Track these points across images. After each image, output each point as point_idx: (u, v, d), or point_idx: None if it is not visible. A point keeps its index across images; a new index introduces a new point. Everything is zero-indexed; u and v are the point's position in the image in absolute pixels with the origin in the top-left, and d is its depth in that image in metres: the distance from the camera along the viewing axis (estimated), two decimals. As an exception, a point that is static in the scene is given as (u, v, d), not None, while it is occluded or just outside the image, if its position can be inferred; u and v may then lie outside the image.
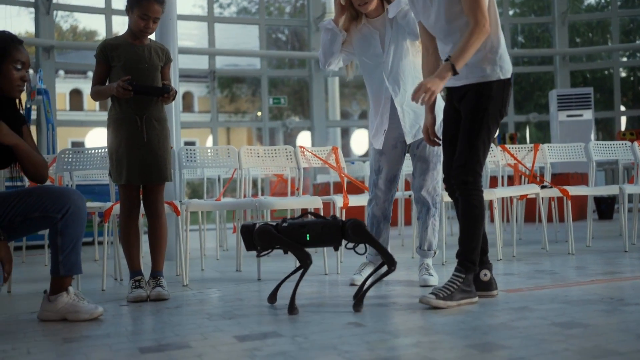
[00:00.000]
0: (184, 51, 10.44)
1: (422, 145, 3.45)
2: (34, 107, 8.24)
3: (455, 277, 2.73)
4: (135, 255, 3.36)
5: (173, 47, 5.39)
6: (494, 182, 5.48)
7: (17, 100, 2.77)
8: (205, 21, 11.48)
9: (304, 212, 2.91)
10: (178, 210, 3.74)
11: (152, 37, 3.51)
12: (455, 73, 2.59)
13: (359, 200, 4.31)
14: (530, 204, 6.63)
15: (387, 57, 3.42)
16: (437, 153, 3.45)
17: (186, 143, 17.22)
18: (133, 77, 3.21)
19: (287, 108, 14.83)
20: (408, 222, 7.71)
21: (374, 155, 3.57)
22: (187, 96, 24.37)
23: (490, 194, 4.16)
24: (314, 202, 4.11)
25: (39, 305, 2.81)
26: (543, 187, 4.60)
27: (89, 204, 3.76)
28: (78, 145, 15.10)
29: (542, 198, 4.97)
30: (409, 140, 3.45)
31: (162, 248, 3.40)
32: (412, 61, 3.43)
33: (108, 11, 10.53)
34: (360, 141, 16.13)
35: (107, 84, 3.34)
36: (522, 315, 2.46)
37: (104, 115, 3.46)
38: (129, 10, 3.31)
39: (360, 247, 2.86)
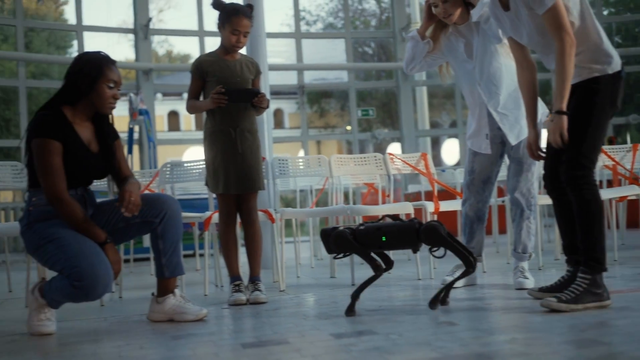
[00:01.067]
0: (273, 68, 10.73)
1: (516, 146, 3.41)
2: (135, 127, 8.74)
3: (581, 279, 2.58)
4: (234, 261, 3.52)
5: (263, 64, 5.60)
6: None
7: (110, 116, 2.96)
8: (293, 37, 11.77)
9: (384, 216, 2.95)
10: (273, 217, 3.88)
11: (243, 52, 3.67)
12: (566, 113, 2.59)
13: (451, 206, 4.30)
14: (632, 209, 6.36)
15: (475, 63, 3.42)
16: None
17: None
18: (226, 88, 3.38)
19: (376, 120, 14.90)
20: (503, 230, 7.57)
21: (468, 156, 3.57)
22: (278, 113, 24.90)
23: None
24: (405, 208, 4.14)
25: (148, 308, 3.01)
26: (644, 187, 4.43)
27: (189, 214, 3.97)
28: (176, 163, 15.75)
29: (644, 200, 4.78)
30: (513, 141, 3.39)
31: (258, 254, 3.55)
32: (503, 63, 3.39)
33: (201, 33, 11.00)
34: (451, 150, 15.89)
35: (201, 98, 3.53)
36: (623, 315, 2.41)
37: (200, 134, 3.65)
38: (221, 27, 3.49)
39: (440, 251, 2.86)
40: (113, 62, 2.88)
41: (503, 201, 4.95)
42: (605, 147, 4.91)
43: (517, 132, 3.39)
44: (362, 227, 2.82)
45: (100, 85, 2.80)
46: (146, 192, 3.83)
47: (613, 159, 4.78)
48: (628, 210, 5.88)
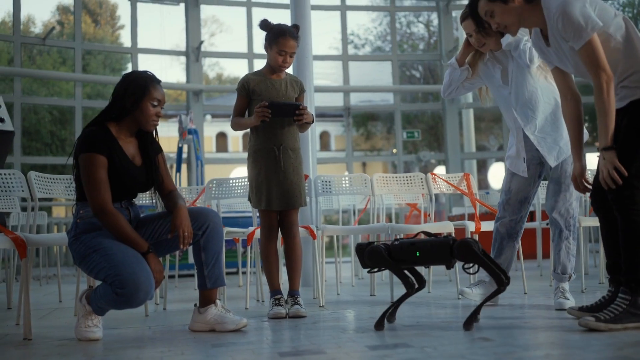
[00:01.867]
0: (319, 89, 10.90)
1: (555, 167, 3.42)
2: (185, 147, 8.97)
3: (621, 299, 2.57)
4: (275, 275, 3.58)
5: (309, 85, 5.73)
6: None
7: (154, 132, 3.08)
8: (340, 60, 11.92)
9: (419, 232, 2.99)
10: (314, 233, 3.94)
11: (289, 71, 3.77)
12: (613, 147, 2.59)
13: (492, 226, 4.28)
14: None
15: (511, 89, 3.47)
16: (570, 174, 3.40)
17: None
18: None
19: (422, 143, 14.89)
20: (547, 253, 7.46)
21: (505, 175, 3.60)
22: (324, 135, 25.09)
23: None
24: (446, 227, 4.15)
25: (190, 318, 3.09)
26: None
27: (232, 230, 4.07)
28: (223, 183, 16.01)
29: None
30: (552, 163, 3.40)
31: (298, 268, 3.61)
32: (538, 87, 3.43)
33: (250, 55, 11.25)
34: (498, 175, 15.71)
35: (246, 115, 3.64)
36: (663, 336, 2.37)
37: (246, 158, 3.73)
38: (267, 47, 3.60)
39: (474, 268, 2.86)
40: (158, 81, 3.02)
41: (547, 224, 4.90)
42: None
43: (556, 154, 3.40)
44: (396, 243, 2.86)
45: (145, 103, 2.93)
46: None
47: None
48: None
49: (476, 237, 4.23)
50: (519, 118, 3.45)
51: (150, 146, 3.04)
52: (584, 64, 2.66)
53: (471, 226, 4.20)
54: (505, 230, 3.57)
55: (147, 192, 3.13)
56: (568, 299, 3.32)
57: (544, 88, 3.41)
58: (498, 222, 3.60)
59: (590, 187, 2.87)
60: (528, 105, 3.43)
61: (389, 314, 2.99)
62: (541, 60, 3.34)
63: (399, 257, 2.85)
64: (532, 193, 3.56)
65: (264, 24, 3.63)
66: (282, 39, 3.54)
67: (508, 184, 3.56)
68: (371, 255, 2.87)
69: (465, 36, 3.54)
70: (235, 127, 3.65)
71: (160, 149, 3.12)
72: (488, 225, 4.27)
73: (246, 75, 3.68)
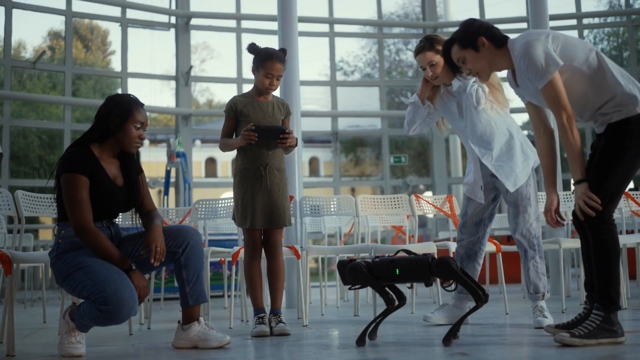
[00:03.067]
0: (306, 114, 11.01)
1: (510, 193, 3.55)
2: (173, 170, 9.01)
3: (595, 315, 2.63)
4: (259, 293, 3.61)
5: (296, 110, 5.81)
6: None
7: (135, 154, 3.12)
8: (328, 85, 12.06)
9: (399, 250, 3.05)
10: (298, 253, 3.98)
11: (276, 93, 3.85)
12: (585, 180, 2.69)
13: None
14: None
15: (466, 122, 3.64)
16: (527, 196, 3.52)
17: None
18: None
19: (410, 169, 14.98)
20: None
21: (463, 200, 3.77)
22: (314, 161, 25.16)
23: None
24: (429, 248, 4.20)
25: (174, 335, 3.11)
26: (671, 233, 4.41)
27: (218, 249, 4.11)
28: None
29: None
30: (511, 189, 3.53)
31: (281, 287, 3.65)
32: (491, 118, 3.61)
33: (239, 80, 11.36)
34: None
35: (234, 137, 3.70)
36: (635, 350, 2.42)
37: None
38: (255, 70, 3.68)
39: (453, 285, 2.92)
40: (141, 104, 3.08)
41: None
42: (633, 193, 4.92)
43: (513, 180, 3.54)
44: (377, 260, 2.91)
45: (128, 125, 2.98)
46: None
47: (639, 203, 4.78)
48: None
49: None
50: (476, 149, 3.63)
51: (131, 167, 3.09)
52: (546, 102, 2.77)
53: (453, 247, 4.26)
54: (464, 252, 3.75)
55: (128, 213, 3.16)
56: (546, 317, 3.37)
57: (497, 120, 3.61)
58: (458, 244, 3.78)
59: (563, 222, 2.97)
60: (483, 138, 3.61)
61: (371, 331, 3.03)
62: (489, 98, 3.56)
63: (380, 274, 2.90)
64: (486, 216, 3.72)
65: (252, 48, 3.71)
66: (269, 62, 3.62)
67: (465, 208, 3.73)
68: (352, 272, 2.92)
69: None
70: (223, 147, 3.71)
71: (141, 170, 3.16)
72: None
73: (234, 97, 3.75)
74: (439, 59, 3.58)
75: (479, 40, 2.91)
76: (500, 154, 3.59)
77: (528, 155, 3.59)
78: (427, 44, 3.62)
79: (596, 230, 2.67)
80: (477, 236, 3.73)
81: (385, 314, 2.95)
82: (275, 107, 3.72)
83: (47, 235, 13.07)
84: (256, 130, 3.50)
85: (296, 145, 3.69)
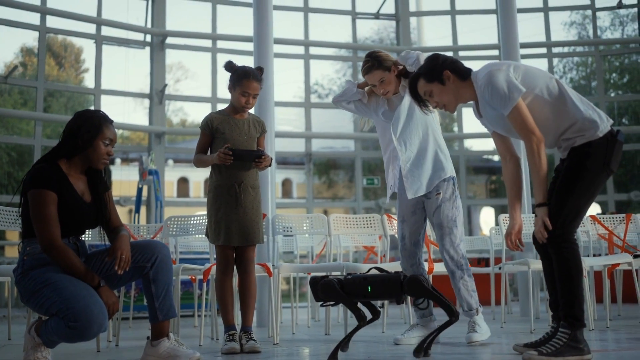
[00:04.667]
0: (282, 135, 11.05)
1: (436, 212, 3.66)
2: (144, 187, 8.94)
3: (562, 333, 2.69)
4: (230, 310, 3.60)
5: (270, 129, 5.83)
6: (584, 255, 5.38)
7: (103, 170, 3.10)
8: (302, 107, 12.14)
9: (371, 268, 3.08)
10: (270, 271, 3.98)
11: (252, 111, 3.87)
12: (546, 204, 2.78)
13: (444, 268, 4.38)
14: (629, 281, 6.38)
15: (396, 120, 3.74)
16: (452, 218, 3.62)
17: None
18: (233, 146, 3.55)
19: (381, 192, 15.07)
20: (499, 301, 7.58)
21: (397, 223, 3.86)
22: (286, 183, 25.16)
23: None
24: (399, 267, 4.22)
25: (142, 352, 3.07)
26: (636, 256, 4.51)
27: (189, 266, 4.09)
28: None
29: (637, 270, 4.84)
30: (410, 196, 3.68)
31: (252, 304, 3.63)
32: (421, 120, 3.72)
33: (214, 100, 11.37)
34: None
35: (208, 153, 3.70)
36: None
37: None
38: (231, 88, 3.70)
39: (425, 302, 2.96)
40: (111, 121, 3.06)
41: (500, 268, 5.03)
42: (600, 217, 5.02)
43: (415, 189, 3.68)
44: (349, 277, 2.93)
45: (97, 141, 2.96)
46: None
47: (606, 227, 4.88)
48: (626, 284, 5.91)
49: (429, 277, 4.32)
50: (398, 147, 3.71)
51: (99, 183, 3.06)
52: (514, 128, 2.85)
53: (424, 267, 4.28)
54: None
55: (95, 229, 3.13)
56: (476, 332, 3.52)
57: (425, 123, 3.74)
58: (401, 267, 3.83)
59: (522, 247, 3.04)
60: (408, 136, 3.71)
61: (342, 346, 3.04)
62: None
63: (352, 291, 2.92)
64: (422, 235, 3.82)
65: (229, 66, 3.73)
66: (245, 81, 3.64)
67: (401, 230, 3.81)
68: (324, 289, 2.93)
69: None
70: (198, 163, 3.71)
71: (108, 187, 3.13)
72: (441, 266, 4.37)
73: (210, 114, 3.76)
74: (387, 75, 3.71)
75: (444, 74, 3.01)
76: (416, 159, 3.69)
77: (440, 166, 3.69)
78: (375, 62, 3.72)
79: (558, 249, 2.74)
80: (416, 258, 3.80)
81: (356, 329, 2.96)
82: (251, 124, 3.74)
83: (13, 252, 12.82)
84: (233, 154, 3.51)
85: (270, 165, 3.70)
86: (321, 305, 3.07)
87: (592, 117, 2.82)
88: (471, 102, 3.13)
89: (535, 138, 2.78)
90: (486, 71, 2.88)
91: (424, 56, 3.68)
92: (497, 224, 5.49)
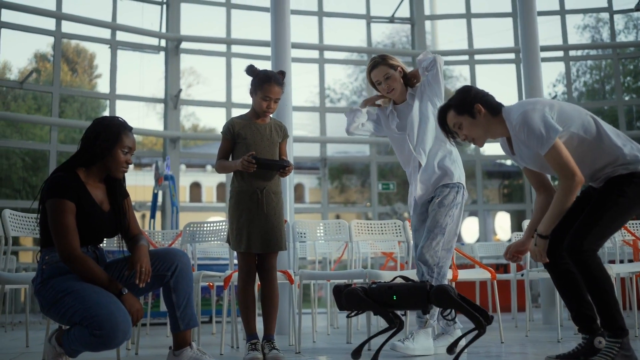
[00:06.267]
0: (297, 140, 10.99)
1: (429, 216, 3.60)
2: (160, 193, 8.91)
3: (611, 342, 2.66)
4: (252, 319, 3.53)
5: (289, 134, 5.76)
6: (609, 261, 5.28)
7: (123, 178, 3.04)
8: (317, 111, 12.08)
9: (396, 276, 3.00)
10: (292, 278, 3.91)
11: (272, 115, 3.81)
12: (547, 237, 2.80)
13: (469, 274, 4.31)
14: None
15: (410, 131, 3.71)
16: (442, 225, 3.54)
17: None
18: (255, 152, 3.49)
19: (396, 197, 14.98)
20: (522, 307, 7.48)
21: (412, 232, 3.82)
22: (298, 188, 25.11)
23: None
24: (423, 275, 4.14)
25: (165, 361, 3.02)
26: (664, 263, 4.40)
27: (209, 273, 4.03)
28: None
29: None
30: (418, 193, 3.65)
31: (274, 313, 3.57)
32: (432, 125, 3.67)
33: (229, 105, 11.33)
34: (470, 228, 15.81)
35: (230, 158, 3.64)
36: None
37: (220, 205, 3.75)
38: (253, 93, 3.64)
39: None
40: (130, 128, 2.99)
41: (522, 275, 4.93)
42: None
43: (421, 193, 3.66)
44: (374, 286, 2.86)
45: (116, 150, 2.90)
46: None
47: (633, 234, 4.78)
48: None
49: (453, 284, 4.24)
50: (418, 155, 3.68)
51: (118, 192, 3.00)
52: (552, 167, 2.80)
53: (449, 274, 4.21)
54: None
55: (114, 237, 3.07)
56: (409, 344, 3.42)
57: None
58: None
59: (519, 261, 3.08)
60: (426, 141, 3.68)
61: (355, 351, 2.98)
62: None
63: (376, 300, 2.84)
64: None
65: (251, 70, 3.67)
66: (267, 85, 3.58)
67: (415, 240, 3.75)
68: (349, 298, 2.85)
69: (372, 97, 3.87)
70: (220, 169, 3.64)
71: (127, 194, 3.07)
72: (465, 274, 4.29)
73: (231, 119, 3.70)
74: (392, 72, 3.70)
75: (476, 107, 2.95)
76: (426, 164, 3.67)
77: (445, 172, 3.64)
78: (380, 59, 3.74)
79: (585, 265, 2.68)
80: None
81: (393, 334, 2.87)
82: (272, 129, 3.68)
83: (27, 258, 12.84)
84: (256, 163, 3.44)
85: (291, 172, 3.64)
86: (347, 316, 2.99)
87: (632, 152, 2.79)
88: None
89: (577, 178, 2.74)
90: (521, 110, 2.82)
91: (441, 59, 3.64)
92: (520, 229, 5.38)
